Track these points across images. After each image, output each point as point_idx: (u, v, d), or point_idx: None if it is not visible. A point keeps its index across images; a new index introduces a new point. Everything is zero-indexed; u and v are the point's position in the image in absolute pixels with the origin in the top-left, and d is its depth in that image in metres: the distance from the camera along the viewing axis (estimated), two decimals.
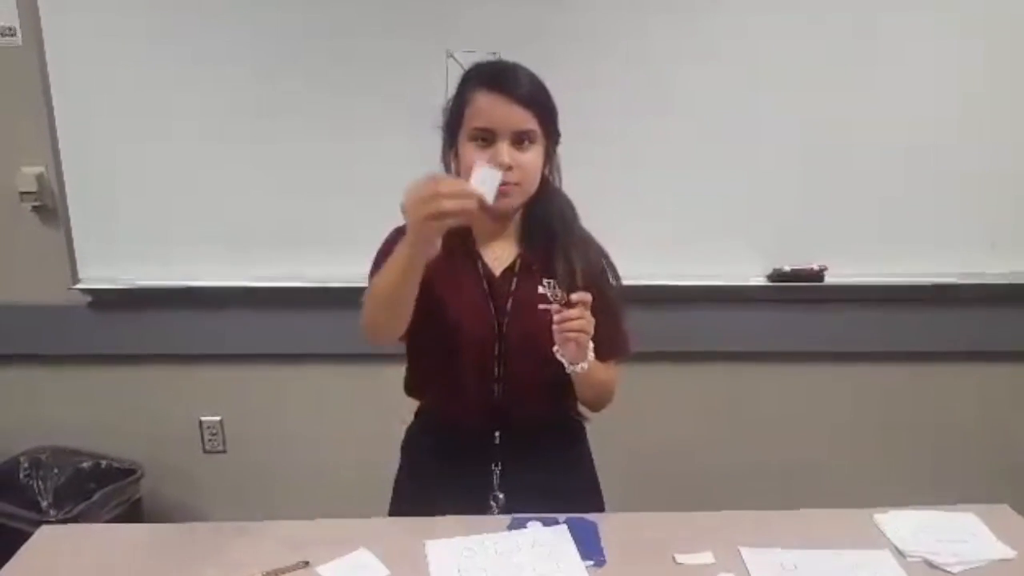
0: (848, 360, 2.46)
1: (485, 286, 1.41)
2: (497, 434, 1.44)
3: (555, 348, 1.32)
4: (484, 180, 1.22)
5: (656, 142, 2.22)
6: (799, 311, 2.37)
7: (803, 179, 2.26)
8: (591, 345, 1.33)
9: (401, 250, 1.24)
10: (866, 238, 2.30)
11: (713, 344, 2.40)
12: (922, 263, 2.32)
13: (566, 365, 1.34)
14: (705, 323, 2.34)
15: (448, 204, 1.14)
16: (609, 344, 1.40)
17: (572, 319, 1.28)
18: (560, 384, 1.41)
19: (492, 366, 1.42)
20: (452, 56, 2.11)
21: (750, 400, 2.50)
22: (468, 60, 2.02)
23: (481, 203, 1.21)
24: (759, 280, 2.32)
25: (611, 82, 2.17)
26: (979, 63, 2.20)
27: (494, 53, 1.83)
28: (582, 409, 1.52)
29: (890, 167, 2.25)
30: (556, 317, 1.28)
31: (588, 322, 1.29)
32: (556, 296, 1.34)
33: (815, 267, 2.29)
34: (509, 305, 1.41)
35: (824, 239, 2.30)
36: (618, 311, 1.45)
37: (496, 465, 1.44)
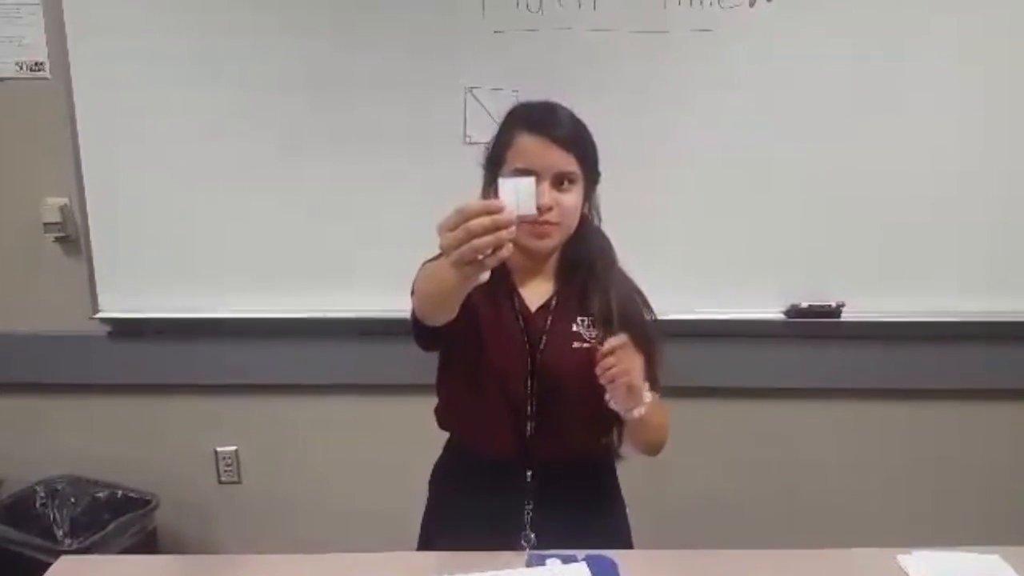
0: (866, 397, 2.44)
1: (520, 323, 1.41)
2: (529, 473, 1.43)
3: (607, 397, 1.30)
4: (515, 191, 1.10)
5: (673, 177, 2.23)
6: (816, 347, 2.35)
7: (822, 215, 2.25)
8: (646, 386, 1.31)
9: (445, 271, 1.11)
10: (884, 275, 2.29)
11: (729, 380, 2.38)
12: (942, 301, 2.30)
13: (623, 414, 1.32)
14: (721, 358, 2.32)
15: (479, 243, 1.02)
16: (649, 382, 1.38)
17: (610, 366, 1.25)
18: (593, 423, 1.41)
19: (525, 404, 1.41)
20: (472, 93, 2.14)
21: (766, 437, 2.48)
22: (487, 97, 2.10)
23: (518, 243, 1.15)
24: (776, 316, 2.31)
25: (626, 116, 2.18)
26: (1000, 100, 2.20)
27: (515, 91, 1.87)
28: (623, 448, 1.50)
29: (910, 205, 2.24)
30: (597, 369, 1.26)
31: (631, 364, 1.26)
32: (590, 335, 1.33)
33: (832, 304, 2.29)
34: (543, 342, 1.40)
35: (842, 275, 2.29)
36: (654, 347, 1.42)
37: (528, 504, 1.43)
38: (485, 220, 1.01)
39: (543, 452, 1.42)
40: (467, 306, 1.26)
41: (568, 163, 1.33)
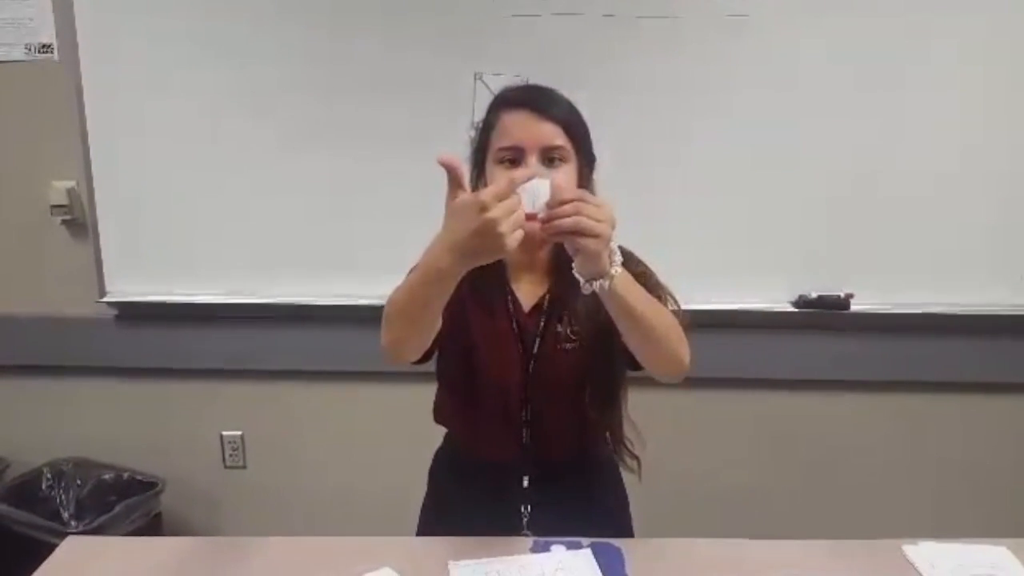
0: (874, 389, 2.44)
1: (514, 326, 1.36)
2: (526, 478, 1.40)
3: (573, 265, 1.14)
4: (533, 192, 1.08)
5: (682, 168, 2.22)
6: (824, 338, 2.35)
7: (830, 205, 2.24)
8: (617, 258, 1.12)
9: (440, 257, 1.07)
10: (893, 267, 2.28)
11: (737, 370, 2.38)
12: (949, 293, 2.29)
13: (582, 285, 1.13)
14: (729, 349, 2.30)
15: (503, 227, 1.01)
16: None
17: (562, 216, 1.07)
18: (591, 427, 1.38)
19: (520, 409, 1.38)
20: (480, 79, 2.13)
21: (773, 428, 2.47)
22: (496, 83, 2.08)
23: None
24: (785, 306, 2.31)
25: (636, 108, 2.17)
26: (1009, 93, 2.19)
27: (525, 78, 1.85)
28: (622, 439, 1.43)
29: (918, 196, 2.23)
30: (541, 216, 1.09)
31: (591, 217, 1.07)
32: (569, 334, 1.31)
33: (841, 295, 2.28)
34: (537, 346, 1.35)
35: (851, 267, 2.28)
36: (656, 285, 1.32)
37: (525, 508, 1.40)
38: (508, 207, 1.02)
39: (540, 456, 1.40)
40: (457, 313, 1.22)
41: (556, 136, 1.25)
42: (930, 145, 2.20)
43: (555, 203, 1.09)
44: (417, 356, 1.28)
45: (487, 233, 1.02)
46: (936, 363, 2.37)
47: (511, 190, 1.03)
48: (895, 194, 2.23)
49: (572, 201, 1.08)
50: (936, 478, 2.50)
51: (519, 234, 1.03)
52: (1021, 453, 2.49)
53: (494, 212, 1.01)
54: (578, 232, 1.07)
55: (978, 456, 2.49)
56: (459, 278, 1.10)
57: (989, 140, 2.21)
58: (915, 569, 1.30)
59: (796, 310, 2.30)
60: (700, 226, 2.24)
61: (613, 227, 1.10)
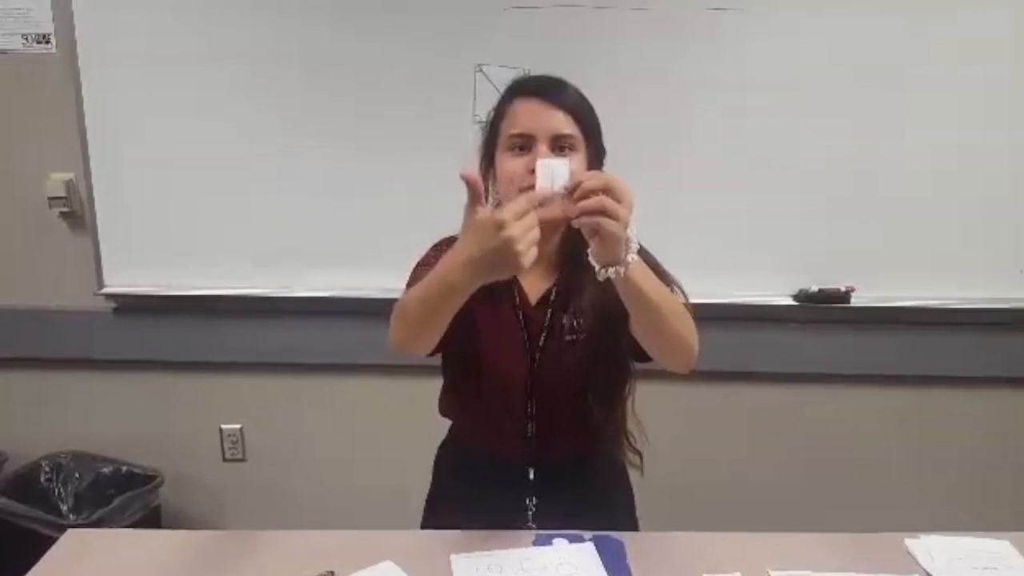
0: (875, 383, 2.44)
1: (520, 318, 1.36)
2: (532, 471, 1.41)
3: (588, 250, 1.13)
4: (551, 176, 1.11)
5: (683, 162, 2.21)
6: (825, 332, 2.34)
7: (831, 199, 2.24)
8: (633, 245, 1.12)
9: (455, 271, 1.10)
10: (894, 261, 2.28)
11: (738, 364, 2.37)
12: (949, 287, 2.29)
13: (598, 271, 1.13)
14: (730, 342, 2.30)
15: (521, 246, 1.04)
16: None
17: (584, 197, 1.08)
18: (596, 421, 1.37)
19: (525, 404, 1.38)
20: (481, 70, 2.12)
21: (774, 421, 2.47)
22: (497, 75, 2.07)
23: None
24: (785, 300, 2.30)
25: (638, 102, 2.16)
26: (1006, 88, 2.18)
27: (526, 69, 1.85)
28: (630, 434, 1.44)
29: (919, 190, 2.23)
30: (575, 194, 1.10)
31: (613, 203, 1.07)
32: (575, 327, 1.30)
33: (842, 288, 2.27)
34: (543, 339, 1.35)
35: (852, 261, 2.28)
36: (665, 276, 1.31)
37: (531, 500, 1.41)
38: (525, 223, 1.04)
39: (545, 450, 1.40)
40: (462, 307, 1.20)
41: (566, 126, 1.24)
42: (927, 140, 2.20)
43: (576, 184, 1.10)
44: (426, 352, 1.28)
45: (504, 251, 1.04)
46: (937, 357, 2.38)
47: (529, 208, 1.05)
48: (896, 188, 2.23)
49: (598, 181, 1.09)
50: (938, 471, 2.50)
51: (534, 252, 1.06)
52: (1022, 446, 2.49)
53: (512, 231, 1.03)
54: (602, 212, 1.07)
55: (979, 449, 2.49)
56: (472, 291, 1.12)
57: (987, 134, 2.20)
58: (917, 562, 1.30)
59: (797, 304, 2.30)
60: (700, 220, 2.24)
61: (631, 211, 1.09)
